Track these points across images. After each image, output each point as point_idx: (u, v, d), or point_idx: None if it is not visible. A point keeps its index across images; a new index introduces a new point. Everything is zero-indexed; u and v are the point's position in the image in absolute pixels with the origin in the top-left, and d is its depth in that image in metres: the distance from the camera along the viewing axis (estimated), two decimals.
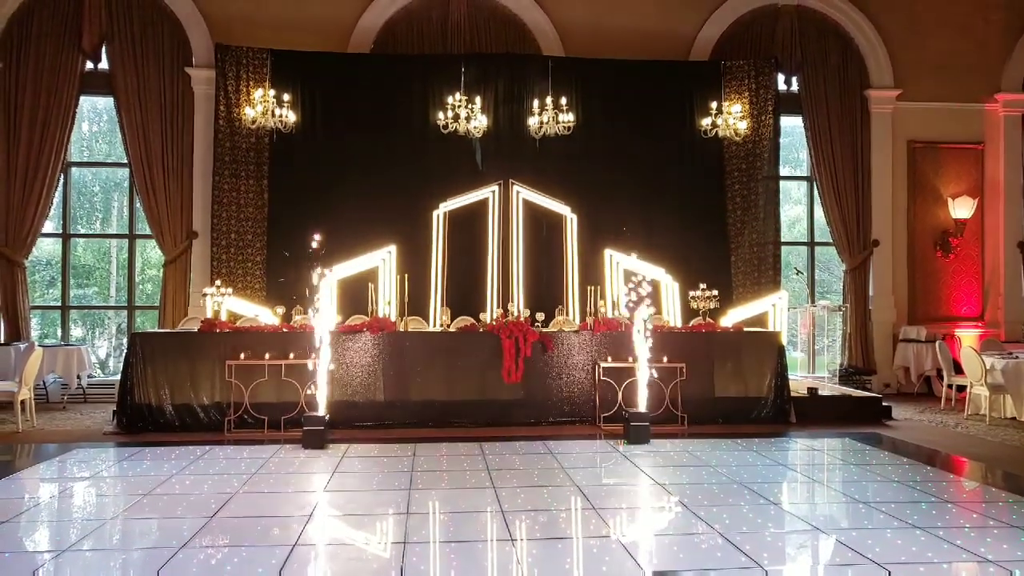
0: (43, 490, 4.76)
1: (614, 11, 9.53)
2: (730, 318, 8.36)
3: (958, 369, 8.10)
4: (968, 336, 9.75)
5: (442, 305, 8.19)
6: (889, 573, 3.17)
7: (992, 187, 10.07)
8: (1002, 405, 7.50)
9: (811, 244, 10.46)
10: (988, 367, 7.37)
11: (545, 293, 8.63)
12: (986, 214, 10.07)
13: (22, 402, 6.68)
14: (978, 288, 10.06)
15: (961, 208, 9.90)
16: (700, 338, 7.28)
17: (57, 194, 9.17)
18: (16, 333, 8.75)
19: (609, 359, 6.91)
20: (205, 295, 8.03)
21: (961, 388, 8.12)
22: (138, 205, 9.28)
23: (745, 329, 7.81)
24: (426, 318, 8.31)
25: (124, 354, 6.88)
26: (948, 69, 9.89)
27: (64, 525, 3.96)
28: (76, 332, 10.38)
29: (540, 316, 7.44)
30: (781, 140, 9.84)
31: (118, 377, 6.87)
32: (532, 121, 8.66)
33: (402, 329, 7.26)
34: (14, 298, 8.83)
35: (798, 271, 10.08)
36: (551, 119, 8.52)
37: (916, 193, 9.98)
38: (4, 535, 3.72)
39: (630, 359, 6.45)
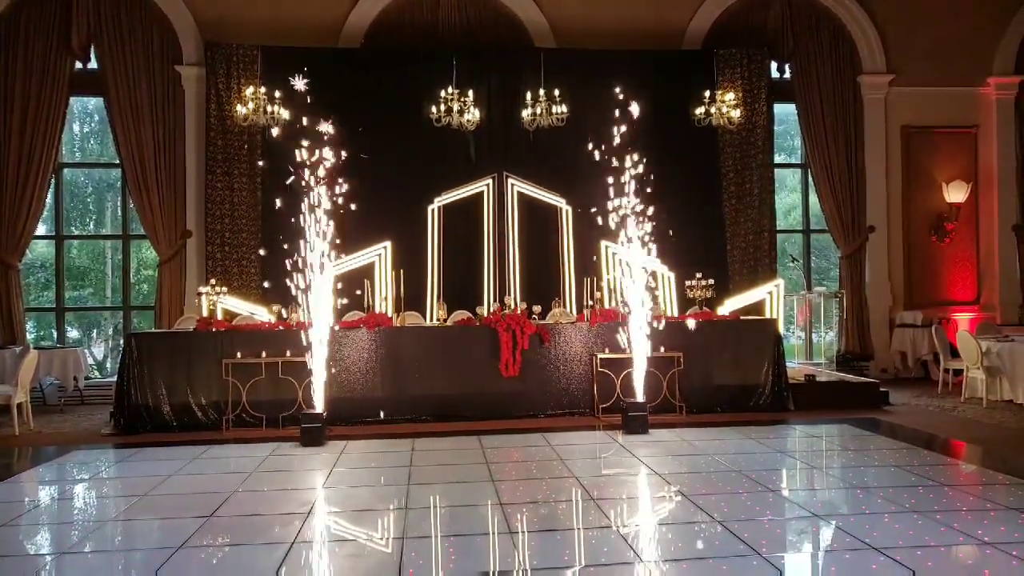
0: (42, 493, 4.75)
1: (605, 2, 9.49)
2: (727, 307, 8.36)
3: (955, 353, 8.11)
4: (964, 320, 9.77)
5: (439, 299, 8.18)
6: (887, 558, 3.18)
7: (986, 171, 10.07)
8: (999, 388, 7.52)
9: (807, 231, 10.46)
10: (984, 350, 7.39)
11: (542, 285, 8.62)
12: (980, 198, 10.07)
13: (18, 406, 6.65)
14: (973, 272, 10.07)
15: (955, 192, 9.91)
16: (697, 327, 7.27)
17: (49, 196, 9.13)
18: (11, 336, 8.72)
19: (606, 350, 6.91)
20: (200, 294, 8.01)
21: (958, 372, 8.13)
22: (131, 205, 9.24)
23: (742, 317, 7.82)
24: (423, 313, 8.30)
25: (120, 355, 6.86)
26: (940, 53, 9.87)
27: (63, 527, 3.95)
28: (72, 334, 10.36)
29: (537, 309, 7.43)
30: (775, 128, 9.83)
31: (115, 378, 6.85)
32: (525, 113, 8.62)
33: (399, 324, 7.25)
34: (8, 301, 8.79)
35: (794, 259, 10.08)
36: (544, 111, 8.48)
37: (910, 178, 9.98)
38: (4, 538, 3.71)
39: (627, 350, 6.45)
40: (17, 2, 8.78)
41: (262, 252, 6.07)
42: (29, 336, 9.20)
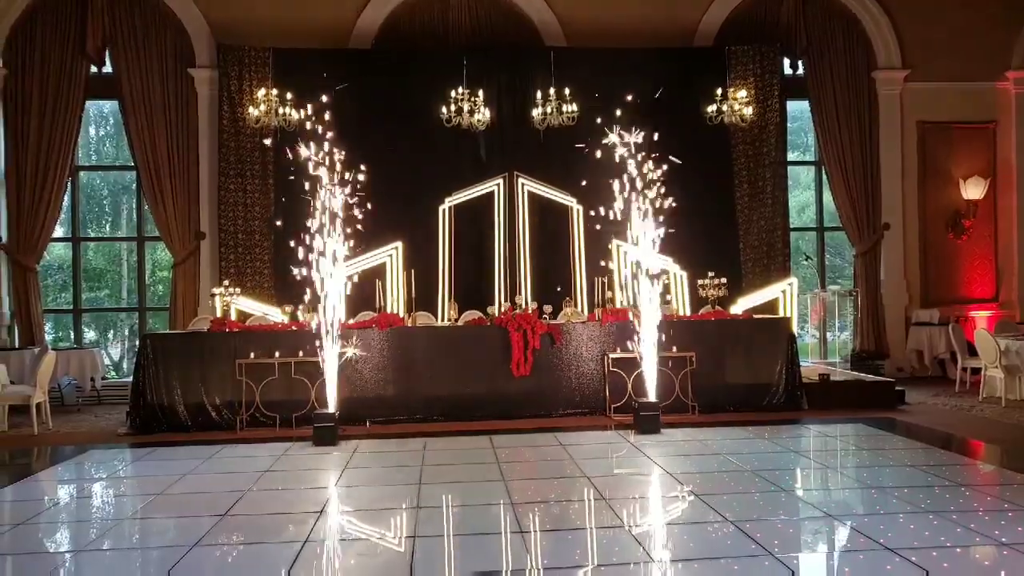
0: (60, 491, 4.82)
1: (616, 0, 9.45)
2: (740, 305, 8.31)
3: (972, 351, 8.01)
4: (982, 318, 9.64)
5: (450, 299, 8.19)
6: (902, 558, 3.15)
7: (1004, 166, 9.93)
8: (1017, 387, 7.42)
9: (820, 229, 10.37)
10: (1003, 349, 7.29)
11: (553, 285, 8.60)
12: (999, 194, 9.92)
13: (37, 405, 6.75)
14: (991, 269, 9.93)
15: (973, 189, 9.77)
16: (710, 326, 7.25)
17: (66, 198, 9.23)
18: (30, 337, 8.84)
19: (618, 350, 6.89)
20: (214, 295, 8.08)
21: (976, 371, 8.03)
22: (146, 207, 9.34)
23: (755, 316, 7.76)
24: (434, 313, 8.32)
25: (136, 356, 6.94)
26: (957, 48, 9.74)
27: (81, 525, 4.01)
28: (89, 335, 10.47)
29: (548, 308, 7.42)
30: (788, 125, 9.74)
31: (131, 378, 6.93)
32: (535, 113, 8.61)
33: (410, 324, 7.27)
34: (27, 303, 8.91)
35: (808, 257, 9.99)
36: (554, 110, 8.47)
37: (926, 175, 9.85)
38: (23, 535, 3.76)
39: (639, 349, 6.42)
40: (33, 8, 8.90)
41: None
42: (47, 337, 9.32)
